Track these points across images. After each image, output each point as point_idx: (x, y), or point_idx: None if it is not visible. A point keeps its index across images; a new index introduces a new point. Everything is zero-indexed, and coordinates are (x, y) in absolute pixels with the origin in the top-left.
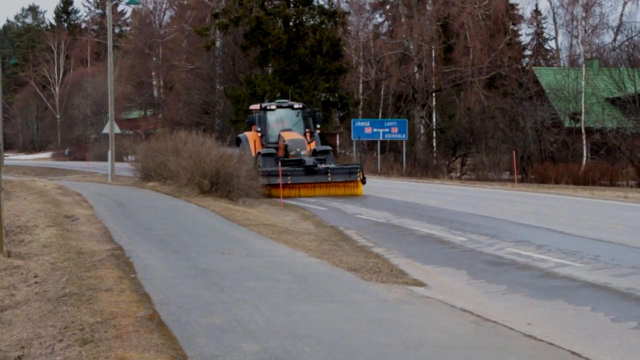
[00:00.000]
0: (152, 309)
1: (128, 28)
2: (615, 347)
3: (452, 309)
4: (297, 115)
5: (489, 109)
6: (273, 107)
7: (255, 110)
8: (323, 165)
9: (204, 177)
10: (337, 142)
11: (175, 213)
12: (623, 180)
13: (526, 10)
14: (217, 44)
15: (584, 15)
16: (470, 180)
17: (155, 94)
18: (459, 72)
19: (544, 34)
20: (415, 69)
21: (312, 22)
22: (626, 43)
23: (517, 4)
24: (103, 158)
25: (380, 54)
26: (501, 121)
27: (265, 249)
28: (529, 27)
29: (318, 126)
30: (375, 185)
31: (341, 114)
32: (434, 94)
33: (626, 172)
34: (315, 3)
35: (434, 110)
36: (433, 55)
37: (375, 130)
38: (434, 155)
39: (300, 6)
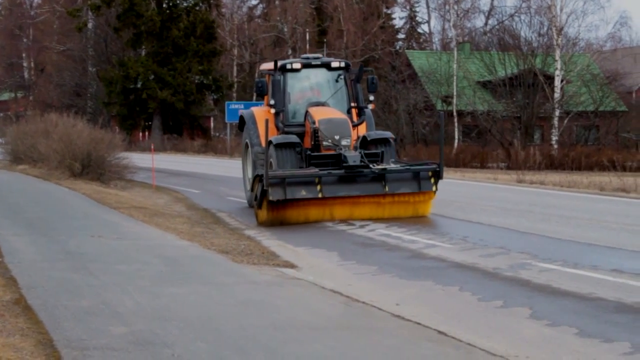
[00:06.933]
0: (18, 292)
1: None
2: (480, 326)
3: (322, 290)
4: (338, 80)
5: None
6: (297, 65)
7: (269, 71)
8: (376, 166)
9: (75, 159)
10: (212, 125)
11: (46, 196)
12: (493, 162)
13: None
14: (89, 25)
15: None
16: None
17: (26, 75)
18: (332, 54)
19: (417, 18)
20: (290, 52)
21: (185, 4)
22: (497, 27)
23: None
24: None
25: (254, 36)
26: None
27: (135, 231)
28: (402, 10)
29: (372, 98)
30: None
31: (215, 97)
32: None
33: (496, 155)
34: None
35: None
36: (307, 38)
37: (239, 113)
38: None
39: None
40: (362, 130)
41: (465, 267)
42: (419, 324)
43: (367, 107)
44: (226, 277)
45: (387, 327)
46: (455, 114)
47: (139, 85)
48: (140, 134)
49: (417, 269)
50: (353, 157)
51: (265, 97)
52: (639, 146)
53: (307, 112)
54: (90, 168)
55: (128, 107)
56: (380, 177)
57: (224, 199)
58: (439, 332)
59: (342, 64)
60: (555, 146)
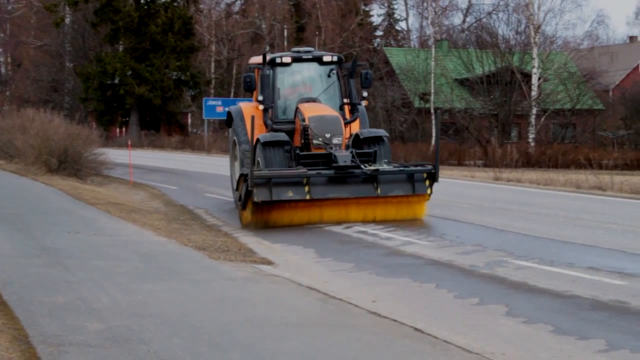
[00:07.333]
0: None
1: None
2: (457, 323)
3: (298, 286)
4: (330, 75)
5: None
6: (287, 59)
7: (257, 65)
8: (368, 167)
9: (52, 155)
10: (189, 121)
11: (22, 192)
12: (471, 160)
13: None
14: (67, 20)
15: None
16: None
17: (3, 70)
18: None
19: (395, 15)
20: (268, 48)
21: (163, 0)
22: (475, 25)
23: None
24: None
25: (232, 32)
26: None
27: (112, 228)
28: (380, 7)
29: (365, 94)
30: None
31: (193, 93)
32: None
33: (473, 152)
34: None
35: None
36: (285, 34)
37: (227, 109)
38: None
39: None
40: (355, 127)
41: (441, 265)
42: (395, 321)
43: (360, 104)
44: (203, 273)
45: (363, 324)
46: (432, 111)
47: (116, 81)
48: (118, 129)
49: (394, 266)
50: (344, 156)
51: (254, 93)
52: (615, 144)
53: (297, 108)
54: (67, 164)
55: (105, 102)
56: (372, 179)
57: (202, 196)
58: (415, 329)
59: (335, 58)
60: (532, 144)
